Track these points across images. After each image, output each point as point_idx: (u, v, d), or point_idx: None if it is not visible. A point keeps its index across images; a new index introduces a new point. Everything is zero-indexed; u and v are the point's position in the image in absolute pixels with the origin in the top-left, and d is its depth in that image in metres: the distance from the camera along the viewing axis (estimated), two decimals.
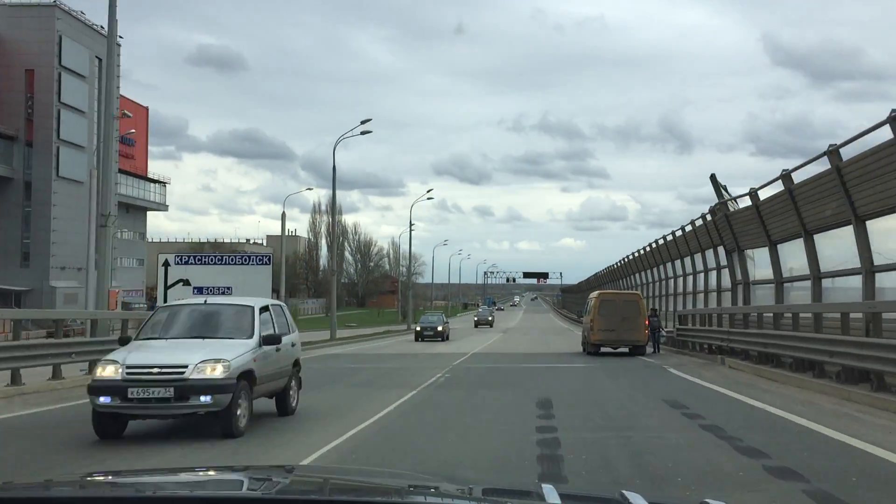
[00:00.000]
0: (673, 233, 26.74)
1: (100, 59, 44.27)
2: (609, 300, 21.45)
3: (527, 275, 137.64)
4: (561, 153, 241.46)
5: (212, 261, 21.68)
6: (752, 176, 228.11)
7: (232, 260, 21.96)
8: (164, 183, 61.91)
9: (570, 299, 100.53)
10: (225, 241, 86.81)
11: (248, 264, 20.85)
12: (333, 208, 44.41)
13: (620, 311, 20.33)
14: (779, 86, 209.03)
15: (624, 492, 1.83)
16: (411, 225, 46.47)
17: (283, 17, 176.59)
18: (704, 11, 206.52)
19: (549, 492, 1.79)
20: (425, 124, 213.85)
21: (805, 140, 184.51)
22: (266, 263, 20.76)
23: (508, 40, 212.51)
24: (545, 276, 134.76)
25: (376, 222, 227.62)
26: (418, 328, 34.33)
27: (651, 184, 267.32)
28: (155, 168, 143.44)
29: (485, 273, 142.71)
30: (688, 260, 25.76)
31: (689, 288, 25.83)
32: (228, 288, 18.38)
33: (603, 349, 20.43)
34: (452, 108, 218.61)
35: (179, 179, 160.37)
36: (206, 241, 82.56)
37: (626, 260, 39.22)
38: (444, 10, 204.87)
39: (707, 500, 1.83)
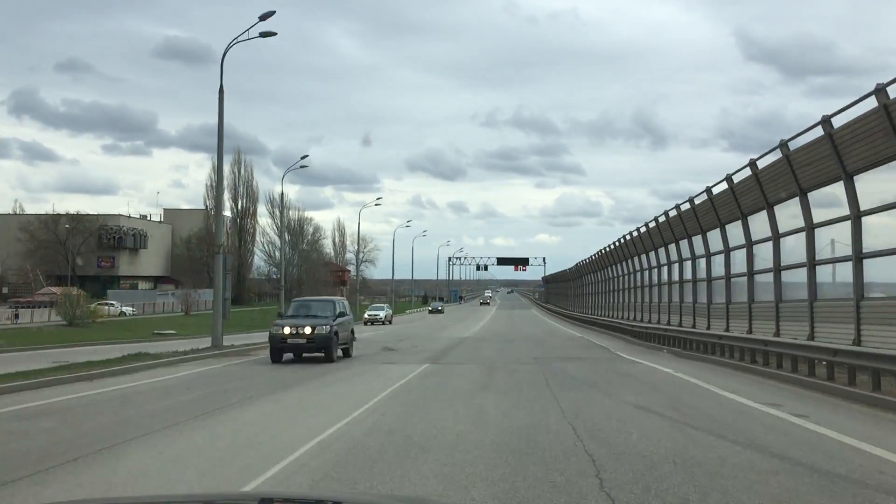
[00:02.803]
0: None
1: None
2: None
3: (502, 261, 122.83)
4: (535, 148, 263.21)
5: None
6: (724, 172, 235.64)
7: None
8: None
9: (556, 290, 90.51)
10: (89, 213, 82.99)
11: None
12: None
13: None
14: (751, 81, 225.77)
15: None
16: (360, 232, 56.88)
17: (251, 11, 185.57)
18: (675, 7, 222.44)
19: None
20: (398, 119, 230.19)
21: (778, 135, 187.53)
22: None
23: (481, 34, 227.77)
24: (524, 262, 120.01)
25: (351, 218, 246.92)
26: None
27: (625, 180, 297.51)
28: (126, 163, 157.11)
29: (449, 260, 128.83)
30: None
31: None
32: None
33: None
34: (425, 103, 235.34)
35: (151, 175, 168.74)
36: (63, 213, 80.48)
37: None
38: (416, 4, 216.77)
39: None
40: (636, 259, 37.30)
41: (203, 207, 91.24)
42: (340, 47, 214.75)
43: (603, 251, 46.71)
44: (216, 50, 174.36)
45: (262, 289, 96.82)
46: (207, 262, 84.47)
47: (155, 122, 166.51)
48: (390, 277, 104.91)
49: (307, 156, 45.81)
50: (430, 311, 75.44)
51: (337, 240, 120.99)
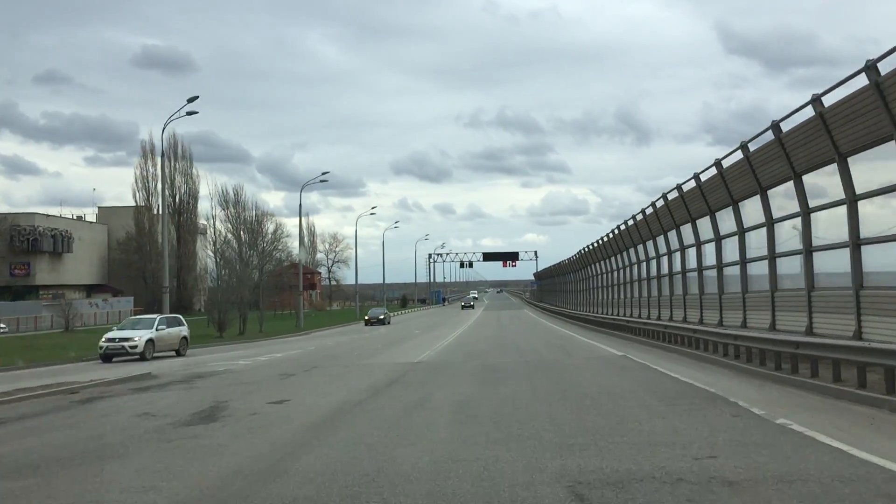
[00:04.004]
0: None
1: None
2: None
3: (488, 257, 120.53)
4: (520, 148, 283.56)
5: None
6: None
7: None
8: None
9: (551, 287, 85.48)
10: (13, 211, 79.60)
11: None
12: None
13: None
14: (733, 74, 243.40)
15: None
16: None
17: (228, 18, 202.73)
18: (654, 3, 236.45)
19: None
20: (382, 123, 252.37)
21: (761, 128, 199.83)
22: None
23: (462, 35, 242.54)
24: (513, 257, 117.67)
25: (338, 223, 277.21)
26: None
27: (611, 177, 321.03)
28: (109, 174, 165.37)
29: (430, 257, 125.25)
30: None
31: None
32: None
33: None
34: (408, 106, 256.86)
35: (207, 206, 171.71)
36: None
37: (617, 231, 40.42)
38: (394, 7, 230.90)
39: None
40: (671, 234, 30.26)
41: (133, 204, 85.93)
42: (321, 53, 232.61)
43: (619, 229, 38.93)
44: (196, 58, 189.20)
45: (215, 294, 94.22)
46: (141, 266, 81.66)
47: (136, 132, 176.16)
48: (368, 281, 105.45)
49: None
50: (367, 322, 62.27)
51: (306, 240, 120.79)
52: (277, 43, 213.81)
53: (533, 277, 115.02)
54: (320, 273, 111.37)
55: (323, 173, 61.08)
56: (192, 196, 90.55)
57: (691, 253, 27.89)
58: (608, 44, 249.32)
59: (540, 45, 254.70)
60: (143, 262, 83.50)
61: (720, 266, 24.41)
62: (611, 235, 41.69)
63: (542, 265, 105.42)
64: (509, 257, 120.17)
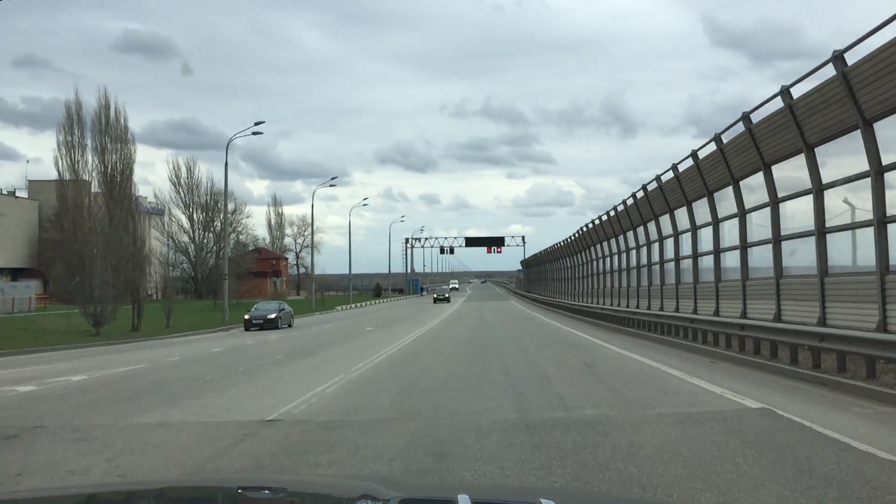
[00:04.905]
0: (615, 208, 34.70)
1: None
2: None
3: (471, 242, 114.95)
4: (505, 138, 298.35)
5: None
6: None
7: None
8: None
9: (540, 275, 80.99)
10: None
11: None
12: None
13: None
14: (719, 66, 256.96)
15: (541, 500, 2.45)
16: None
17: (211, 4, 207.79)
18: None
19: (464, 501, 2.45)
20: (366, 112, 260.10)
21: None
22: None
23: (447, 23, 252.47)
24: (499, 243, 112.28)
25: (322, 213, 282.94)
26: None
27: (596, 168, 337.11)
28: None
29: (407, 242, 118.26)
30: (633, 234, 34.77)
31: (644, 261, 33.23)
32: None
33: None
34: (393, 95, 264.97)
35: (165, 186, 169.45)
36: None
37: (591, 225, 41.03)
38: None
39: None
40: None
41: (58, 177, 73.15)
42: (304, 40, 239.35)
43: (635, 198, 34.00)
44: (178, 44, 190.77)
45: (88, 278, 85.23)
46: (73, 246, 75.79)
47: (118, 117, 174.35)
48: (343, 271, 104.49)
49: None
50: (249, 326, 40.95)
51: (273, 221, 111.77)
52: (260, 29, 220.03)
53: (520, 266, 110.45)
54: (287, 259, 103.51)
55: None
56: (127, 166, 79.55)
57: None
58: (594, 34, 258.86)
59: (526, 34, 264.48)
60: (69, 242, 76.40)
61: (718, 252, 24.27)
62: (623, 207, 36.66)
63: (531, 253, 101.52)
64: (494, 242, 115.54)
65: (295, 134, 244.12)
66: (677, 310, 27.33)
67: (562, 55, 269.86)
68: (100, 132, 76.25)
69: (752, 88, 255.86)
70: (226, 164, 71.97)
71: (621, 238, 38.29)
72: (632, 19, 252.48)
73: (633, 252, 35.93)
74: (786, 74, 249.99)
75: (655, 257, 31.70)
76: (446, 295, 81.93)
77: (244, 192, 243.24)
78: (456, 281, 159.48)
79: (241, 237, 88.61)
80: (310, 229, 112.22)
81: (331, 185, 73.97)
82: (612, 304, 38.96)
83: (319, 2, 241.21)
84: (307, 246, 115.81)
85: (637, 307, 33.09)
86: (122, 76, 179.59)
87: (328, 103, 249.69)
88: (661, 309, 29.30)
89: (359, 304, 78.05)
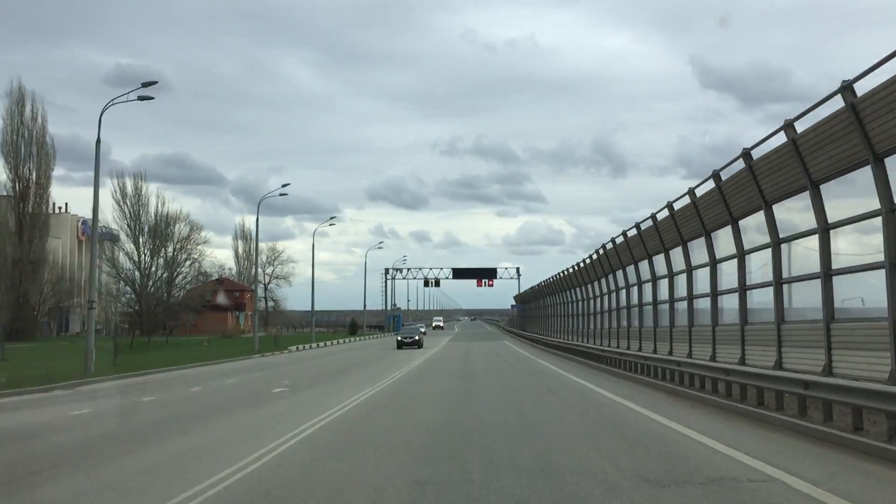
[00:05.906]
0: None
1: None
2: None
3: (459, 273, 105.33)
4: (496, 177, 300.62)
5: None
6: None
7: None
8: None
9: (537, 312, 73.41)
10: None
11: None
12: None
13: None
14: (708, 108, 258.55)
15: None
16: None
17: (203, 40, 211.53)
18: (628, 36, 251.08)
19: None
20: (358, 149, 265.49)
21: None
22: None
23: (439, 62, 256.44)
24: (490, 275, 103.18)
25: (310, 248, 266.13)
26: None
27: (586, 208, 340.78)
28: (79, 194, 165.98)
29: (387, 272, 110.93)
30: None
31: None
32: None
33: None
34: (385, 132, 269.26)
35: (107, 206, 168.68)
36: None
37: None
38: (371, 33, 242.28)
39: None
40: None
41: None
42: (298, 77, 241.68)
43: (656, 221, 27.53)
44: (171, 78, 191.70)
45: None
46: None
47: (108, 152, 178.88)
48: (324, 307, 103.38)
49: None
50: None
51: (240, 250, 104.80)
52: (252, 66, 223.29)
53: (514, 301, 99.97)
54: (254, 291, 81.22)
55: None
56: (45, 176, 70.18)
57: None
58: (585, 75, 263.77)
59: (517, 74, 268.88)
60: None
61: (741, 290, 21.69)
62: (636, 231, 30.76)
63: (526, 287, 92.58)
64: (485, 274, 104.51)
65: (287, 170, 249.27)
66: None
67: (553, 95, 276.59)
68: (14, 138, 66.59)
69: (742, 130, 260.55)
70: (256, 219, 77.92)
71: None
72: (622, 61, 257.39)
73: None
74: (775, 117, 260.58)
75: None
76: (415, 337, 62.10)
77: (229, 224, 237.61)
78: (441, 318, 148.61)
79: (200, 266, 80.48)
80: (276, 256, 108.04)
81: (330, 224, 70.08)
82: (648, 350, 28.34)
83: (313, 39, 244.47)
84: (278, 277, 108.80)
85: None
86: (114, 110, 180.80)
87: (320, 140, 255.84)
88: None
89: (322, 343, 68.07)
